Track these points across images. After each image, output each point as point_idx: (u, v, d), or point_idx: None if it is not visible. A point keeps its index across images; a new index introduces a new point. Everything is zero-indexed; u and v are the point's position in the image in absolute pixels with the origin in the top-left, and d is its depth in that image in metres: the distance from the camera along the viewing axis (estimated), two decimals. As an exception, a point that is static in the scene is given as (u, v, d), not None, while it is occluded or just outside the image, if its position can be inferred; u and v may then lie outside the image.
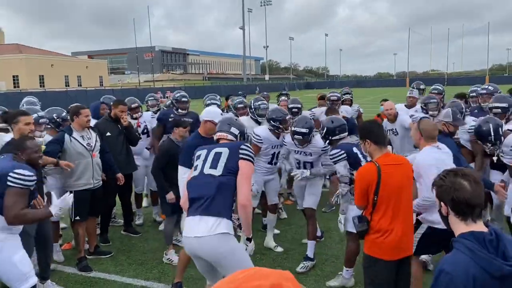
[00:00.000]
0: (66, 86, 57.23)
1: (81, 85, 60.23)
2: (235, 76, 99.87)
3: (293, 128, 4.59)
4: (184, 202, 3.20)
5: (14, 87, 53.78)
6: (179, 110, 5.98)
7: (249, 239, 3.27)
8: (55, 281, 4.52)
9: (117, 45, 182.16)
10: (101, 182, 4.98)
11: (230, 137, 3.34)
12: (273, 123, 4.87)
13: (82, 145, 4.75)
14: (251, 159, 3.09)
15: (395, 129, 6.20)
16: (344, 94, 7.72)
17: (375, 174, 3.03)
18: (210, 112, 4.18)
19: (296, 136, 4.57)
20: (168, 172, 4.84)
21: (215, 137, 3.45)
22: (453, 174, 1.93)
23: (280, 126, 4.87)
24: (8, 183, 3.12)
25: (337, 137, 4.25)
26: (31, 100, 6.53)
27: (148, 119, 6.36)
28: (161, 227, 6.04)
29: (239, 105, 6.33)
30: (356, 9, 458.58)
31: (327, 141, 4.35)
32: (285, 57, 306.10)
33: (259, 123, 5.48)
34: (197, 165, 3.18)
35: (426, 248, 3.68)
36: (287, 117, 4.97)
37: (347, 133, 4.37)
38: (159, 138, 6.01)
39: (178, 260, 4.18)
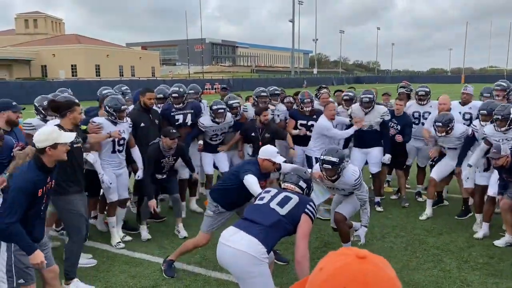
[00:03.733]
0: (120, 75, 59.41)
1: (134, 75, 62.31)
2: (283, 69, 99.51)
3: (322, 157, 4.29)
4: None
5: (72, 75, 56.51)
6: (175, 105, 6.09)
7: None
8: (102, 260, 4.79)
9: (170, 37, 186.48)
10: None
11: (297, 189, 3.54)
12: (108, 109, 5.00)
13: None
14: (313, 217, 3.30)
15: None
16: (400, 87, 7.52)
17: None
18: (267, 152, 4.19)
19: (325, 166, 4.22)
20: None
21: (282, 185, 3.66)
22: None
23: (115, 114, 5.00)
24: None
25: None
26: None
27: None
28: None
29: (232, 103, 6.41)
30: (415, 1, 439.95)
31: None
32: (334, 51, 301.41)
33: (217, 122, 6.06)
34: (264, 197, 3.43)
35: None
36: (122, 107, 5.04)
37: None
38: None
39: (184, 244, 4.49)
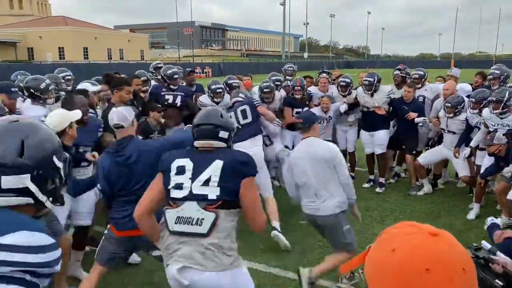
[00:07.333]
0: (108, 58, 58.56)
1: (123, 58, 61.46)
2: (273, 53, 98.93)
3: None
4: None
5: (60, 58, 55.49)
6: (172, 86, 6.00)
7: None
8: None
9: (159, 19, 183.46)
10: None
11: (239, 99, 5.27)
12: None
13: None
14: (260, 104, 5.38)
15: None
16: (395, 70, 7.44)
17: None
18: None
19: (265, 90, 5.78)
20: None
21: (231, 101, 5.35)
22: None
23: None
24: None
25: None
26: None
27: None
28: None
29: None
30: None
31: None
32: (325, 35, 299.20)
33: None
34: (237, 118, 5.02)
35: None
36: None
37: None
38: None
39: None
